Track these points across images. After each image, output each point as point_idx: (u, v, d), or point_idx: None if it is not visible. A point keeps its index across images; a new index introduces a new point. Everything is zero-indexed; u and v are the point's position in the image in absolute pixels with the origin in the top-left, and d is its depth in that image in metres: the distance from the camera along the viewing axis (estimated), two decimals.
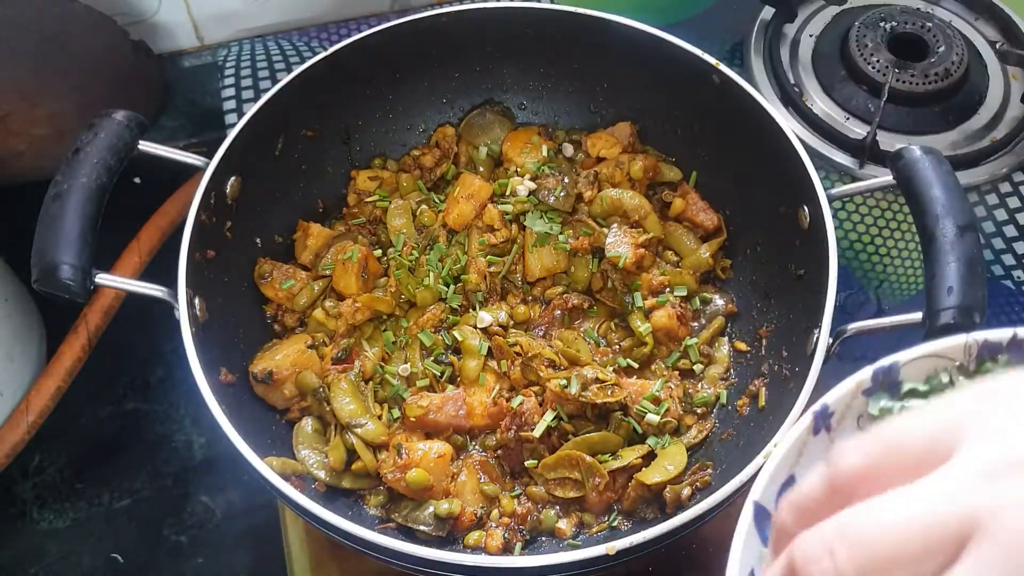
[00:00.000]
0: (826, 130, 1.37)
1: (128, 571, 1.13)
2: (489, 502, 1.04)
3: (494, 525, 1.02)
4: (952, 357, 0.77)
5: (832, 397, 0.76)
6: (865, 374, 0.76)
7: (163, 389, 1.25)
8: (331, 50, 1.16)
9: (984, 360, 0.76)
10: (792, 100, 1.39)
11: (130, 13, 1.43)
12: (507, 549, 1.01)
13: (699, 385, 1.13)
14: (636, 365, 1.12)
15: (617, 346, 1.15)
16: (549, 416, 1.03)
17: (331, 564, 1.09)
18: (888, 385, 0.77)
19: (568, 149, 1.29)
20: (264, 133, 1.14)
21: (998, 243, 1.31)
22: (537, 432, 1.02)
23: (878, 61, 1.39)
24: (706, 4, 1.57)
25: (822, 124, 1.37)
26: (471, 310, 1.16)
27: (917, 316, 0.89)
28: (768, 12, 1.50)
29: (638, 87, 1.26)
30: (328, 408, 1.05)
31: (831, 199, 1.02)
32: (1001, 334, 0.76)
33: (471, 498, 1.03)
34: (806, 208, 1.04)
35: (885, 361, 0.76)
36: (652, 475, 0.99)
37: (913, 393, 0.77)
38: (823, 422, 0.75)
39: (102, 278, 0.95)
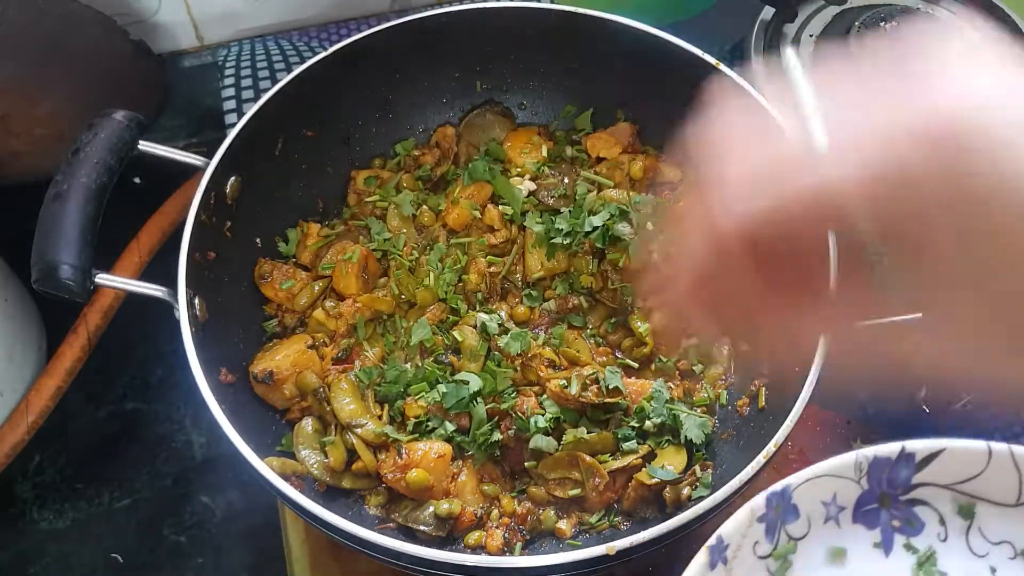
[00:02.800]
0: None
1: (128, 571, 1.13)
2: (489, 502, 1.04)
3: (494, 525, 1.02)
4: (843, 475, 0.81)
5: (727, 528, 0.78)
6: (759, 501, 0.79)
7: (163, 389, 1.25)
8: (331, 50, 1.16)
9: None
10: None
11: (130, 13, 1.43)
12: (507, 549, 1.01)
13: (699, 385, 1.13)
14: (636, 365, 1.12)
15: (617, 346, 1.15)
16: (541, 421, 1.02)
17: (331, 564, 1.09)
18: (783, 509, 0.79)
19: (568, 149, 1.29)
20: (264, 133, 1.14)
21: None
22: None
23: None
24: (706, 4, 1.57)
25: None
26: (471, 310, 1.16)
27: (917, 315, 0.89)
28: (768, 12, 1.50)
29: (638, 87, 1.26)
30: (328, 408, 1.05)
31: None
32: (889, 449, 0.81)
33: (471, 498, 1.03)
34: None
35: (777, 486, 0.79)
36: (652, 475, 0.99)
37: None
38: (719, 555, 0.77)
39: (102, 278, 0.95)
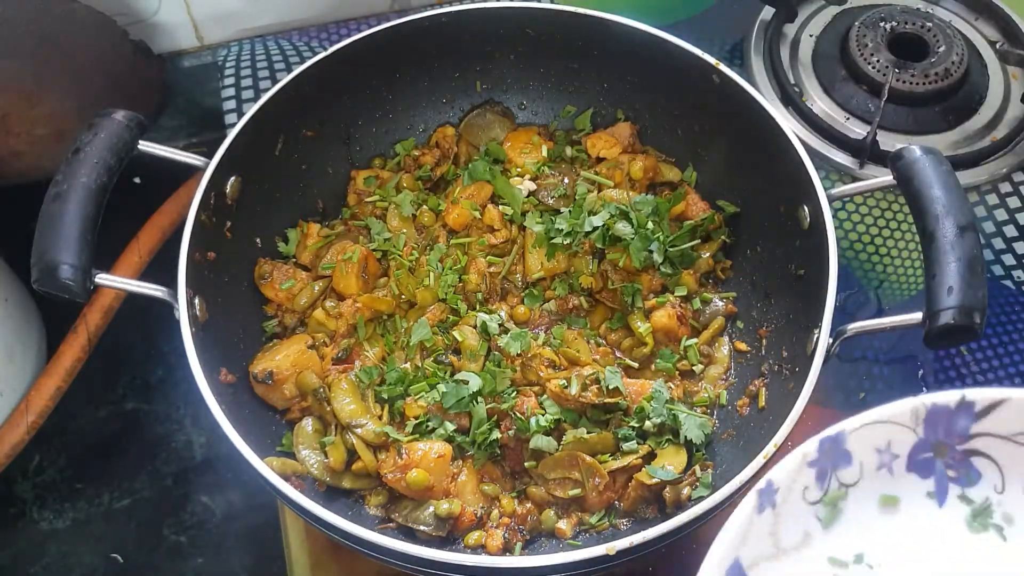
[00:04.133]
0: (826, 130, 1.37)
1: (128, 571, 1.13)
2: (489, 502, 1.04)
3: (494, 525, 1.02)
4: (899, 422, 0.78)
5: (778, 473, 0.75)
6: (811, 445, 0.76)
7: (163, 389, 1.25)
8: (331, 50, 1.16)
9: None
10: (792, 100, 1.40)
11: (130, 13, 1.43)
12: (507, 549, 1.01)
13: (699, 385, 1.13)
14: (636, 365, 1.12)
15: (617, 346, 1.15)
16: (541, 421, 1.02)
17: (331, 564, 1.09)
18: (835, 455, 0.77)
19: (568, 149, 1.28)
20: (264, 133, 1.14)
21: (998, 243, 1.31)
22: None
23: (878, 61, 1.39)
24: (706, 4, 1.57)
25: (822, 124, 1.37)
26: (471, 310, 1.16)
27: (917, 316, 0.89)
28: (768, 12, 1.50)
29: (638, 87, 1.26)
30: (328, 408, 1.05)
31: (831, 199, 1.02)
32: (948, 396, 0.77)
33: (471, 498, 1.03)
34: (806, 208, 1.05)
35: (831, 430, 0.77)
36: (652, 475, 0.99)
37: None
38: (768, 499, 0.75)
39: (102, 278, 0.95)
